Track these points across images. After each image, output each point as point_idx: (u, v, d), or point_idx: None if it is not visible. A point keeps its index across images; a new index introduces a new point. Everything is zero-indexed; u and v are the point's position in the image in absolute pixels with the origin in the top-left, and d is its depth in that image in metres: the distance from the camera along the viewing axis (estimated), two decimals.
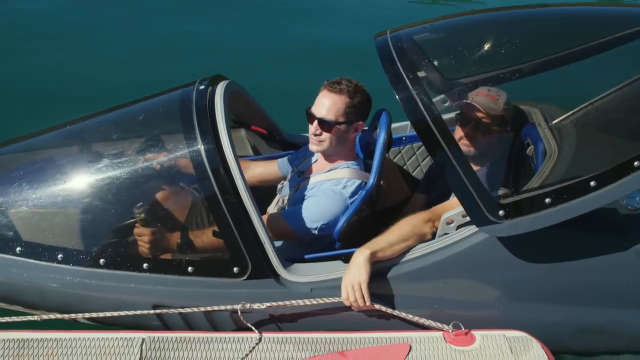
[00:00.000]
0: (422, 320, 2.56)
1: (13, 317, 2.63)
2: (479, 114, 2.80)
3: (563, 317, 2.71)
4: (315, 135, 2.92)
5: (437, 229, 2.68)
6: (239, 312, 2.54)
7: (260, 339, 2.47)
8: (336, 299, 2.56)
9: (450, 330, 2.50)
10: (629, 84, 2.83)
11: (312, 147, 2.98)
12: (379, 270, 2.61)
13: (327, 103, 2.88)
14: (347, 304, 2.55)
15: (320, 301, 2.57)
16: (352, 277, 2.51)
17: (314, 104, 2.94)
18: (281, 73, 6.36)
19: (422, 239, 2.68)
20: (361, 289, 2.49)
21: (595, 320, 2.72)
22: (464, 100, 2.87)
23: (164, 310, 2.63)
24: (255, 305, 2.55)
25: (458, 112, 2.93)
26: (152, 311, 2.62)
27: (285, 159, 3.41)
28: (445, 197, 2.93)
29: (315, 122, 2.89)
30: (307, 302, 2.57)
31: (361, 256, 2.54)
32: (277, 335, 2.49)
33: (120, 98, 3.19)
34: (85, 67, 6.32)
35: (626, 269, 2.66)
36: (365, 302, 2.50)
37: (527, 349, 2.46)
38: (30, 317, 2.63)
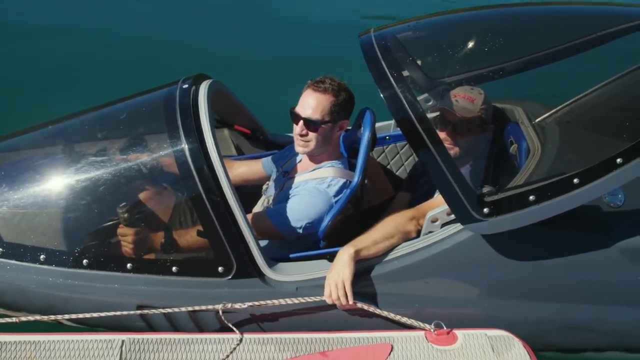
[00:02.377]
0: (405, 320, 2.55)
1: None
2: (456, 117, 2.81)
3: (547, 315, 2.71)
4: (302, 135, 2.90)
5: (422, 227, 2.68)
6: (220, 312, 2.52)
7: (241, 340, 2.45)
8: (319, 298, 2.55)
9: (432, 330, 2.50)
10: (612, 81, 2.87)
11: (298, 148, 2.96)
12: (363, 269, 2.61)
13: (312, 102, 2.87)
14: (329, 301, 2.53)
15: (303, 300, 2.56)
16: (336, 274, 2.50)
17: (298, 104, 2.92)
18: (265, 73, 6.34)
19: (407, 237, 2.67)
20: (344, 286, 2.48)
21: (580, 318, 2.73)
22: (441, 106, 2.88)
23: (148, 311, 2.60)
24: (237, 305, 2.53)
25: (437, 117, 2.94)
26: (136, 312, 2.59)
27: (269, 158, 3.40)
28: (430, 195, 2.93)
29: (301, 122, 2.87)
30: (289, 301, 2.55)
31: (345, 254, 2.53)
32: (258, 336, 2.48)
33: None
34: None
35: (610, 266, 2.67)
36: (348, 300, 2.49)
37: (509, 347, 2.46)
38: (8, 320, 2.58)
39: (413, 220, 2.69)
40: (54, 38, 6.79)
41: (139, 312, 2.60)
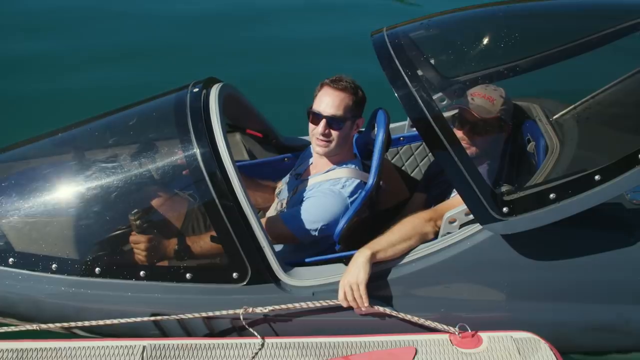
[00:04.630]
0: (428, 323, 2.52)
1: (11, 327, 2.61)
2: (474, 117, 2.77)
3: (570, 316, 2.67)
4: (324, 135, 2.85)
5: (439, 228, 2.64)
6: (241, 317, 2.49)
7: (262, 344, 2.43)
8: (335, 302, 2.52)
9: (456, 332, 2.45)
10: (630, 76, 2.80)
11: (319, 149, 2.91)
12: (381, 272, 2.57)
13: (335, 101, 2.83)
14: (344, 304, 2.50)
15: (322, 304, 2.52)
16: (351, 277, 2.46)
17: (315, 103, 2.88)
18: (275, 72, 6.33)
19: (424, 239, 2.63)
20: (359, 289, 2.44)
21: (604, 318, 2.68)
22: (459, 105, 2.84)
23: (164, 317, 2.57)
24: (258, 309, 2.50)
25: (454, 115, 2.89)
26: (151, 318, 2.57)
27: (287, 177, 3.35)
28: (446, 195, 2.89)
29: (323, 121, 2.83)
30: (310, 304, 2.52)
31: (361, 257, 2.49)
32: (279, 341, 2.46)
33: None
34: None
35: (633, 264, 2.63)
36: (363, 302, 2.45)
37: (535, 350, 2.42)
38: (28, 327, 2.59)
39: (430, 221, 2.64)
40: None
41: (153, 318, 2.58)
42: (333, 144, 2.87)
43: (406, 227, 2.62)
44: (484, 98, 2.81)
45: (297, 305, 2.52)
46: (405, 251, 2.60)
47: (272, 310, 2.51)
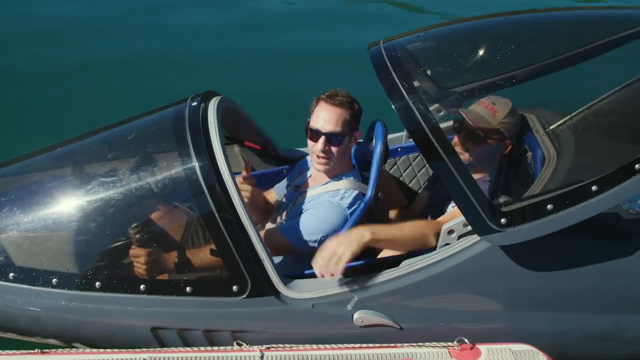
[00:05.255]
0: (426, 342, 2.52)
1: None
2: (471, 125, 2.78)
3: (568, 326, 2.67)
4: (324, 152, 2.84)
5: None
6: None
7: (262, 357, 2.42)
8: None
9: (455, 346, 2.45)
10: (626, 86, 2.82)
11: (319, 167, 2.90)
12: (382, 283, 2.58)
13: (332, 117, 2.82)
14: (317, 262, 2.50)
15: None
16: (341, 243, 2.47)
17: (313, 120, 2.88)
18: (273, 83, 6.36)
19: (424, 245, 2.64)
20: (339, 262, 2.45)
21: (602, 327, 2.68)
22: (460, 110, 2.84)
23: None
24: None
25: (455, 121, 2.90)
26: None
27: (283, 181, 3.37)
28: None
29: (323, 138, 2.82)
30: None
31: (359, 234, 2.51)
32: (279, 353, 2.44)
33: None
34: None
35: (630, 273, 2.63)
36: (335, 271, 2.47)
37: None
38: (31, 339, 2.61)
39: (435, 234, 2.65)
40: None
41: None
42: (334, 160, 2.87)
43: (412, 229, 2.65)
44: (486, 108, 2.81)
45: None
46: (400, 250, 2.66)
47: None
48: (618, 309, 2.67)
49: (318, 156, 2.87)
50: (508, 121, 2.81)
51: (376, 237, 2.53)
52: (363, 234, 2.51)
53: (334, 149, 2.84)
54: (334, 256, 2.46)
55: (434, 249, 2.65)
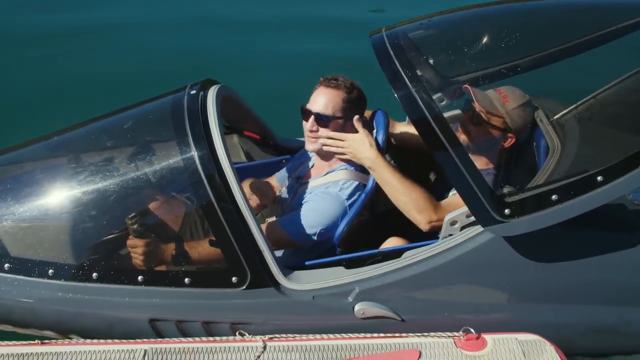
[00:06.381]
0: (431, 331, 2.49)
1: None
2: (479, 107, 2.73)
3: (571, 318, 2.65)
4: (312, 131, 2.84)
5: (434, 220, 2.62)
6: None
7: (264, 348, 2.39)
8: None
9: (460, 336, 2.42)
10: (631, 75, 2.79)
11: (309, 146, 2.91)
12: (384, 274, 2.55)
13: (324, 98, 2.82)
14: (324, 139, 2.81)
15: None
16: (351, 141, 2.77)
17: (310, 101, 2.88)
18: (274, 75, 6.30)
19: (416, 209, 2.63)
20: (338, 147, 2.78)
21: (606, 320, 2.66)
22: (471, 89, 2.77)
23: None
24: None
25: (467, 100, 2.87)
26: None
27: (283, 170, 3.35)
28: None
29: (312, 118, 2.82)
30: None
31: (369, 152, 2.73)
32: (282, 344, 2.41)
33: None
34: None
35: (635, 265, 2.60)
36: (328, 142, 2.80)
37: (541, 352, 2.38)
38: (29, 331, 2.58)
39: (434, 209, 2.63)
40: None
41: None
42: (321, 141, 2.85)
43: (411, 190, 2.65)
44: (499, 94, 2.77)
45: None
46: (390, 194, 2.68)
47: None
48: (622, 301, 2.65)
49: (307, 135, 2.88)
50: (516, 113, 2.75)
51: (376, 166, 2.69)
52: (370, 153, 2.71)
53: (321, 130, 2.83)
54: (338, 142, 2.74)
55: (430, 232, 2.63)
